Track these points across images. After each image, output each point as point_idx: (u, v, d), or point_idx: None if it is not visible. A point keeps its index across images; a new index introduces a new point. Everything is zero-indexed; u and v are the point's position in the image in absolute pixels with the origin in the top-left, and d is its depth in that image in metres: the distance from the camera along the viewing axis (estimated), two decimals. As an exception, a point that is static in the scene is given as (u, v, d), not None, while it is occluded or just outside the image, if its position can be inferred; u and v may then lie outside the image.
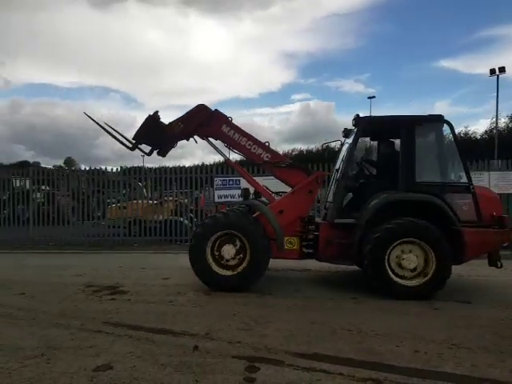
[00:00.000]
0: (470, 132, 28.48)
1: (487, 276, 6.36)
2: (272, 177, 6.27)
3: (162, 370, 2.97)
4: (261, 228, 5.41)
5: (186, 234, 11.33)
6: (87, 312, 4.50)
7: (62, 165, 48.50)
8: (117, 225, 12.13)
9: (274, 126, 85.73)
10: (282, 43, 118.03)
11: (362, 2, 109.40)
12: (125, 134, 6.37)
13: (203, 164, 14.20)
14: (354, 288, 5.56)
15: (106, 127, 6.29)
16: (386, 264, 4.98)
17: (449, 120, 5.47)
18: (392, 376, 2.88)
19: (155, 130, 6.04)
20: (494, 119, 28.97)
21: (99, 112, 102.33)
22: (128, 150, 6.28)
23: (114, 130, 6.37)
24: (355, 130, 5.78)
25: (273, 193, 6.56)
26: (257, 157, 5.99)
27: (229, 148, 6.18)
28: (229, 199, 10.99)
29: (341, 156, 6.30)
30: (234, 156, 7.03)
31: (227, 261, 5.39)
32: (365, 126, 5.69)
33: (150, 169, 12.91)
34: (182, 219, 11.73)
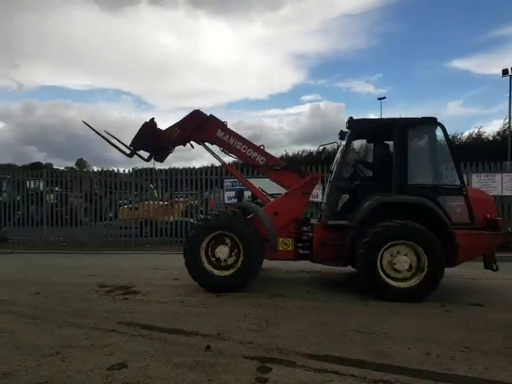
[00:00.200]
0: (486, 134, 28.08)
1: (498, 279, 6.28)
2: (267, 178, 6.36)
3: (176, 369, 3.01)
4: (253, 229, 5.47)
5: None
6: (101, 312, 4.57)
7: (74, 166, 49.06)
8: (128, 226, 12.27)
9: (284, 127, 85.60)
10: (292, 44, 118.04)
11: (374, 2, 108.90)
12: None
13: (212, 166, 14.21)
14: (363, 290, 5.54)
15: (105, 135, 6.40)
16: (379, 266, 5.00)
17: (442, 122, 5.47)
18: (403, 378, 2.88)
19: (152, 136, 6.17)
20: (507, 120, 28.55)
21: (110, 114, 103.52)
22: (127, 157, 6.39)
23: (114, 137, 6.50)
24: (349, 132, 5.82)
25: (268, 195, 6.65)
26: (252, 160, 6.10)
27: (225, 152, 6.26)
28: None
29: (336, 158, 6.35)
30: (229, 159, 7.07)
31: (221, 262, 5.47)
32: (358, 128, 5.74)
33: (161, 170, 13.01)
34: (192, 220, 11.82)
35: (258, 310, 4.59)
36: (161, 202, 12.41)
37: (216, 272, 5.45)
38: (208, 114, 6.18)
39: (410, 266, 5.00)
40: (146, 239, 11.84)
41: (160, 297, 5.25)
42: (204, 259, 5.46)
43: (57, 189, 13.04)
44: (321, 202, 6.63)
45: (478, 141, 26.80)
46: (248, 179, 6.71)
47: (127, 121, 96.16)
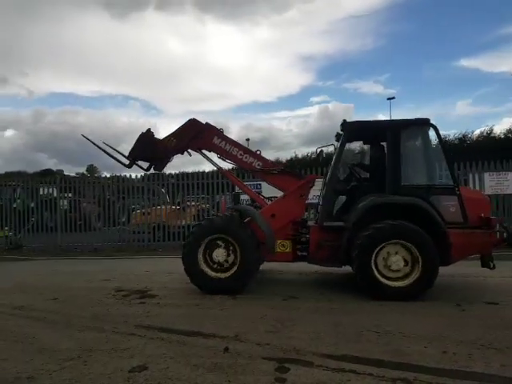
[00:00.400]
0: (497, 132, 27.68)
1: (506, 277, 6.26)
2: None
3: (195, 371, 3.07)
4: (250, 231, 5.55)
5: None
6: (118, 315, 4.65)
7: (85, 172, 49.66)
8: (141, 230, 12.41)
9: (293, 129, 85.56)
10: (300, 46, 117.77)
11: (380, 2, 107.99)
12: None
13: (222, 169, 14.19)
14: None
15: (104, 147, 6.56)
16: (373, 267, 5.05)
17: (435, 124, 5.51)
18: (422, 376, 2.90)
19: (149, 146, 6.30)
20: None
21: (119, 120, 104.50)
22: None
23: (113, 148, 6.65)
24: (342, 134, 5.87)
25: (265, 198, 6.81)
26: (249, 165, 6.22)
27: (222, 158, 6.38)
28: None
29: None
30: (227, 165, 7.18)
31: (219, 264, 5.55)
32: (351, 130, 5.79)
33: (172, 175, 13.13)
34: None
35: (274, 312, 4.63)
36: (173, 207, 12.53)
37: (214, 274, 5.54)
38: (204, 122, 6.32)
39: (405, 266, 5.04)
40: (158, 243, 11.96)
41: (176, 300, 5.32)
42: (202, 262, 5.56)
43: (70, 195, 13.25)
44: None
45: (488, 139, 26.43)
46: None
47: (136, 126, 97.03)
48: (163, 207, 12.41)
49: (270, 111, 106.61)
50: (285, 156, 42.29)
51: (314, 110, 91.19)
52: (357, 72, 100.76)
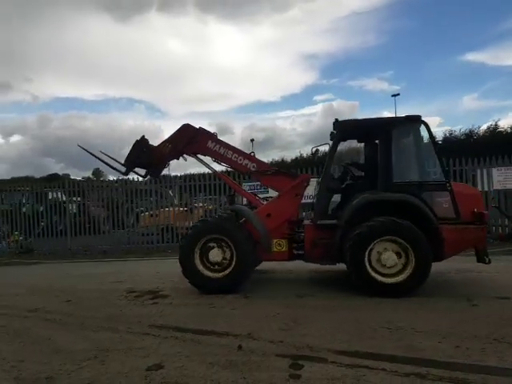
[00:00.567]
0: (504, 126, 27.42)
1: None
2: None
3: (210, 369, 3.11)
4: (246, 231, 5.63)
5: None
6: (132, 316, 4.71)
7: (91, 176, 49.95)
8: (150, 232, 12.50)
9: (297, 128, 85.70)
10: (302, 45, 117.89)
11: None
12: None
13: (228, 170, 14.25)
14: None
15: (101, 156, 6.68)
16: (367, 264, 5.09)
17: (425, 120, 5.52)
18: (435, 370, 2.92)
19: (145, 153, 6.38)
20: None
21: (125, 123, 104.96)
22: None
23: (110, 157, 6.74)
24: (335, 133, 5.90)
25: (261, 198, 6.94)
26: (243, 167, 6.30)
27: (217, 162, 6.47)
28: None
29: None
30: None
31: (215, 264, 5.63)
32: (344, 129, 5.81)
33: (179, 176, 13.21)
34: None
35: (286, 310, 4.66)
36: (181, 208, 12.61)
37: (210, 274, 5.63)
38: (197, 127, 6.39)
39: (398, 262, 5.07)
40: (167, 245, 12.03)
41: (188, 300, 5.38)
42: (198, 262, 5.65)
43: (75, 199, 13.37)
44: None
45: (496, 134, 26.21)
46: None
47: (141, 129, 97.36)
48: (171, 209, 12.50)
49: (273, 111, 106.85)
50: (289, 155, 42.14)
51: (318, 108, 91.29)
52: (361, 69, 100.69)
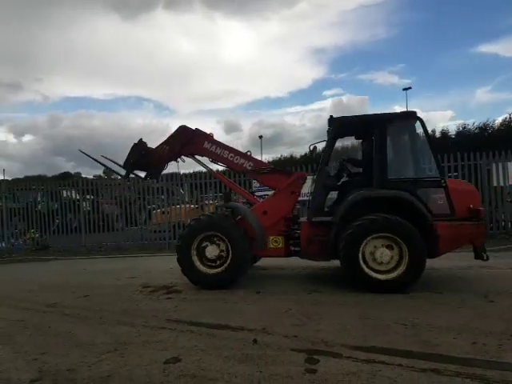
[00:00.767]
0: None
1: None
2: None
3: (227, 362, 3.16)
4: (241, 228, 5.73)
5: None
6: (148, 310, 4.80)
7: (102, 174, 50.51)
8: (162, 229, 12.62)
9: (306, 123, 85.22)
10: (310, 39, 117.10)
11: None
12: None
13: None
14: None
15: (102, 159, 6.93)
16: (361, 260, 5.11)
17: (421, 116, 5.51)
18: (451, 367, 2.91)
19: (143, 156, 6.53)
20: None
21: (134, 122, 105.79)
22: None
23: (111, 160, 6.94)
24: (330, 130, 5.90)
25: (257, 197, 7.06)
26: (240, 166, 6.40)
27: (214, 162, 6.58)
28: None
29: None
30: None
31: (212, 260, 5.75)
32: (339, 126, 5.81)
33: (189, 174, 13.27)
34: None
35: (299, 306, 4.69)
36: (192, 206, 12.71)
37: (207, 270, 5.76)
38: (193, 128, 6.51)
39: (392, 259, 5.08)
40: (179, 241, 12.12)
41: (201, 295, 5.45)
42: (195, 258, 5.79)
43: (89, 197, 13.56)
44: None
45: (511, 127, 25.79)
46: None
47: (150, 127, 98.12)
48: (182, 206, 12.60)
49: (282, 107, 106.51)
50: (299, 152, 42.00)
51: (327, 103, 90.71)
52: (370, 63, 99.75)
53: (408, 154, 5.69)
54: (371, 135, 5.86)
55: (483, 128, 27.24)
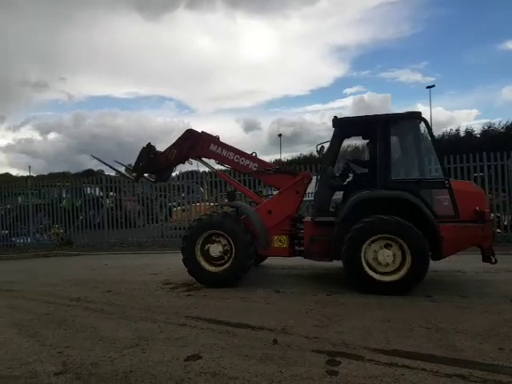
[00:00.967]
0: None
1: None
2: None
3: (247, 361, 3.16)
4: (244, 227, 5.78)
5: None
6: (169, 307, 4.86)
7: (124, 172, 51.28)
8: (182, 226, 12.75)
9: (326, 122, 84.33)
10: (332, 37, 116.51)
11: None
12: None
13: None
14: (427, 286, 5.42)
15: (112, 164, 7.25)
16: (363, 261, 5.06)
17: (425, 117, 5.43)
18: (477, 372, 2.84)
19: (151, 159, 6.77)
20: None
21: (155, 120, 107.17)
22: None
23: (122, 164, 7.27)
24: (334, 131, 5.83)
25: (262, 196, 7.16)
26: (245, 168, 6.52)
27: (220, 164, 6.74)
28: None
29: None
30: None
31: (215, 258, 5.84)
32: (342, 127, 5.74)
33: (210, 173, 13.34)
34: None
35: (319, 307, 4.66)
36: (211, 203, 12.79)
37: (211, 268, 5.85)
38: (200, 131, 6.65)
39: (395, 260, 5.00)
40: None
41: (221, 293, 5.47)
42: (200, 256, 5.87)
43: (111, 194, 13.82)
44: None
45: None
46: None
47: (171, 126, 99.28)
48: (202, 204, 12.71)
49: (302, 105, 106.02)
50: (318, 150, 41.60)
51: (348, 101, 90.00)
52: (393, 61, 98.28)
53: (412, 154, 5.65)
54: (375, 135, 5.78)
55: (510, 127, 26.46)
